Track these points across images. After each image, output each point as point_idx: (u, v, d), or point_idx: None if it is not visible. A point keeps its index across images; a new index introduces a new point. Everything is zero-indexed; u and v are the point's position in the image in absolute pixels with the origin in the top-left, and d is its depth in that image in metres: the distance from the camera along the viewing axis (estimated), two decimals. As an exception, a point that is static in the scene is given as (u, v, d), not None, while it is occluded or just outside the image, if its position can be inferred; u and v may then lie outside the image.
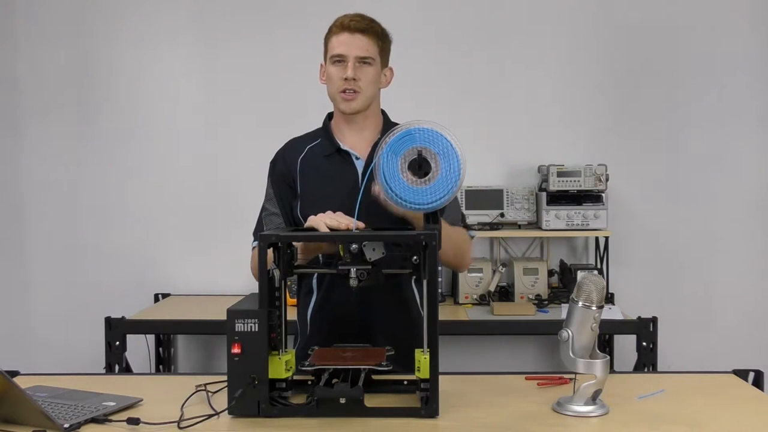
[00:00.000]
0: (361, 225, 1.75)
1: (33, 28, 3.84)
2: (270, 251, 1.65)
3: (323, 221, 1.75)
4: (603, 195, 3.59)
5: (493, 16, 3.83)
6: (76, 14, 3.84)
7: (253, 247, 2.08)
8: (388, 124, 2.09)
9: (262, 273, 1.62)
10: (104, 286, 3.83)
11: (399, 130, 1.76)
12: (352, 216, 1.75)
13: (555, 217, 3.57)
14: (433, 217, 1.76)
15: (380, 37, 2.03)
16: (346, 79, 1.99)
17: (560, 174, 3.56)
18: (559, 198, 3.58)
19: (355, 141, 2.08)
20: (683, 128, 3.83)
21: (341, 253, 1.72)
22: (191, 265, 3.87)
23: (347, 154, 2.07)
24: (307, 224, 1.81)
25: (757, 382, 1.92)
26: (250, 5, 3.84)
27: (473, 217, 3.60)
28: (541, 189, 3.69)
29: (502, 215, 3.65)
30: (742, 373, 1.93)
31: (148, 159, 3.86)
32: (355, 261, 1.70)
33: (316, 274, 2.06)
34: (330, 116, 2.15)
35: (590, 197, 3.59)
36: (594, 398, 1.65)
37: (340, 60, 2.00)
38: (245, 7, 3.84)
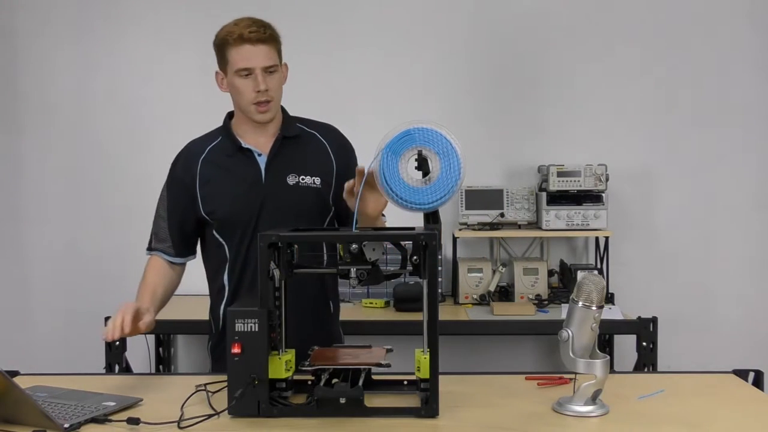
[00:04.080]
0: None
1: (33, 27, 3.83)
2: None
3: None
4: (603, 195, 3.59)
5: (491, 15, 3.83)
6: (76, 14, 3.83)
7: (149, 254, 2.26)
8: (287, 117, 2.19)
9: (263, 273, 1.62)
10: (104, 286, 3.82)
11: (398, 130, 1.76)
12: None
13: (555, 217, 3.57)
14: (433, 216, 1.76)
15: (277, 40, 2.10)
16: (258, 91, 2.05)
17: (560, 174, 3.56)
18: (559, 198, 3.58)
19: (257, 139, 2.14)
20: (683, 128, 3.83)
21: (341, 253, 1.72)
22: (191, 265, 3.85)
23: (249, 151, 2.13)
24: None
25: (757, 382, 1.92)
26: (251, 5, 3.83)
27: (473, 217, 3.60)
28: (541, 189, 3.68)
29: (502, 215, 3.65)
30: (742, 373, 1.94)
31: (148, 159, 3.84)
32: (355, 261, 1.70)
33: (227, 270, 2.14)
34: (230, 115, 2.22)
35: (590, 197, 3.58)
36: (594, 398, 1.65)
37: (247, 73, 2.05)
38: (246, 7, 3.83)
